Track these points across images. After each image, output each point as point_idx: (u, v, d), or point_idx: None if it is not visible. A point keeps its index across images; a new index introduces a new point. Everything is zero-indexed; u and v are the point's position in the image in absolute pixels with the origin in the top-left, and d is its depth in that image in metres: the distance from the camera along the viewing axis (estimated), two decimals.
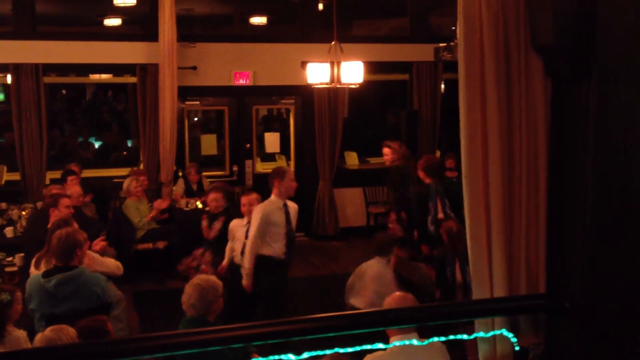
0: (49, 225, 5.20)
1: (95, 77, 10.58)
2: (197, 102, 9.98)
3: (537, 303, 2.82)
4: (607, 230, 2.65)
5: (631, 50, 2.57)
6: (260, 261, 5.53)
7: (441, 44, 8.53)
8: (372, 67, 8.98)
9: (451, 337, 2.76)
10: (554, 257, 2.83)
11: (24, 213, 7.41)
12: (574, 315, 2.72)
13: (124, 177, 8.34)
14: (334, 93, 9.33)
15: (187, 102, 9.68)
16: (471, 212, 2.87)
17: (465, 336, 2.78)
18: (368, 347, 2.71)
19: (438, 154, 10.38)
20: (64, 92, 12.80)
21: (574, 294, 2.72)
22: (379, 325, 2.81)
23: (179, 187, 8.87)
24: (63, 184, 7.33)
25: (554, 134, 2.78)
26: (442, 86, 10.29)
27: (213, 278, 4.13)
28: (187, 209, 8.36)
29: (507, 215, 2.80)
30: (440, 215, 6.34)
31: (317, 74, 6.63)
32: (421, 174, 6.51)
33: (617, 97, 2.58)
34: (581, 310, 2.69)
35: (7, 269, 5.54)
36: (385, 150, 7.63)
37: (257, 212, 5.53)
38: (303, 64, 8.26)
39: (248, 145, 9.90)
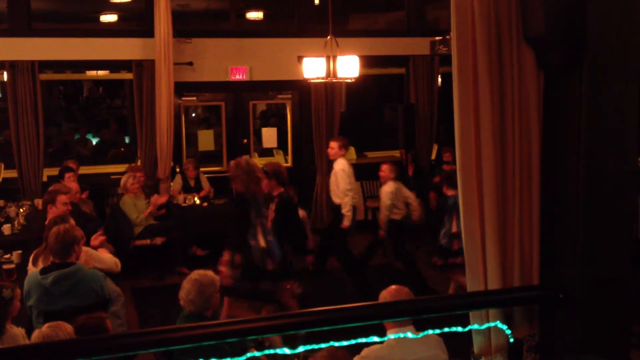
0: (47, 222, 5.21)
1: (92, 73, 10.55)
2: (194, 98, 9.97)
3: (531, 295, 2.83)
4: (599, 222, 2.67)
5: (622, 41, 2.58)
6: None
7: (437, 37, 8.52)
8: (369, 61, 8.97)
9: (446, 329, 2.77)
10: (548, 249, 2.85)
11: (21, 210, 7.42)
12: (568, 307, 2.73)
13: (122, 173, 8.34)
14: (330, 87, 9.33)
15: (183, 98, 9.67)
16: (465, 205, 2.88)
17: (459, 328, 2.79)
18: (364, 340, 2.72)
19: (435, 147, 10.39)
20: (60, 88, 12.77)
21: (568, 285, 2.73)
22: (374, 318, 2.83)
23: (177, 183, 8.88)
24: (60, 180, 7.32)
25: (547, 126, 2.79)
26: (439, 80, 10.29)
27: (210, 273, 4.13)
28: (185, 204, 8.38)
29: (500, 208, 2.81)
30: (454, 229, 6.26)
31: (313, 68, 6.64)
32: (444, 188, 6.54)
33: (609, 88, 2.59)
34: (575, 301, 2.71)
35: (5, 266, 5.54)
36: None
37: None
38: (299, 59, 8.24)
39: (245, 140, 9.90)
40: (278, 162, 6.00)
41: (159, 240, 7.76)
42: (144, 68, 8.81)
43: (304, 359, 3.80)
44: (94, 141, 11.65)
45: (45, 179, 8.43)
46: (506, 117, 2.79)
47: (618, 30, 2.58)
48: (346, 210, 6.91)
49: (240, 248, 5.50)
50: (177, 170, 9.12)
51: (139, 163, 9.13)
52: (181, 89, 9.20)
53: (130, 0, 9.44)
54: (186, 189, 8.78)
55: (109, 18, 9.83)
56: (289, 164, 10.02)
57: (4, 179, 8.89)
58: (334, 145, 7.25)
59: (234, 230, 5.81)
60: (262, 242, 5.43)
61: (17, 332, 3.86)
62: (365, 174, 10.00)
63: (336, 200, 7.07)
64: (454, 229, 6.18)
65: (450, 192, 6.35)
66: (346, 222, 6.92)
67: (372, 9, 10.94)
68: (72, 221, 5.09)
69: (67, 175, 7.51)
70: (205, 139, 9.99)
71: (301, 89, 9.49)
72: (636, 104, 2.67)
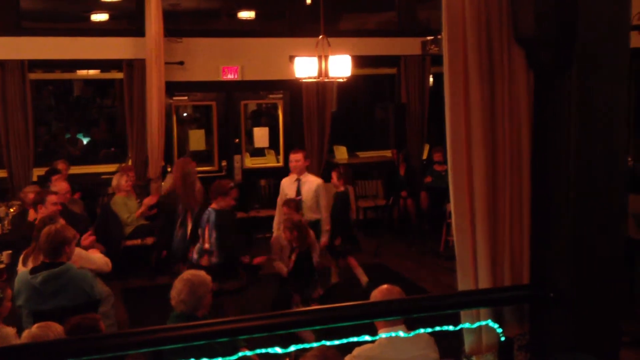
0: (37, 222, 5.17)
1: (82, 73, 10.50)
2: (185, 98, 9.94)
3: (521, 294, 2.84)
4: (589, 221, 2.68)
5: (611, 41, 2.59)
6: None
7: (428, 38, 8.54)
8: (361, 61, 8.97)
9: (437, 328, 2.78)
10: (538, 248, 2.86)
11: (11, 210, 7.37)
12: (558, 306, 2.75)
13: (112, 173, 8.30)
14: (322, 87, 9.33)
15: (174, 98, 9.64)
16: (456, 205, 2.89)
17: (451, 327, 2.80)
18: (355, 339, 2.73)
19: (427, 147, 10.41)
20: (50, 88, 12.69)
21: (558, 284, 2.75)
22: (365, 317, 2.83)
23: (168, 183, 8.84)
24: (48, 183, 7.26)
25: (537, 125, 2.81)
26: (431, 79, 10.31)
27: (202, 273, 4.12)
28: None
29: (491, 207, 2.82)
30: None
31: (304, 68, 6.64)
32: (340, 182, 7.07)
33: (598, 87, 2.61)
34: (565, 300, 2.72)
35: None
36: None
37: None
38: (291, 58, 8.24)
39: (237, 140, 9.88)
40: (219, 181, 6.10)
41: (149, 240, 7.73)
42: (134, 67, 8.78)
43: (295, 358, 3.80)
44: (85, 141, 11.59)
45: (35, 178, 8.37)
46: (497, 117, 2.80)
47: (608, 31, 2.60)
48: (329, 227, 6.67)
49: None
50: (168, 170, 9.08)
51: (129, 163, 9.09)
52: (172, 88, 9.17)
53: None
54: None
55: (99, 17, 9.77)
56: (281, 164, 10.01)
57: None
58: (299, 157, 6.73)
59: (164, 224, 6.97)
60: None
61: (9, 332, 3.84)
62: (356, 174, 10.00)
63: (312, 216, 6.61)
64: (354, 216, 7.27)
65: (342, 188, 7.10)
66: (326, 239, 6.66)
67: (364, 9, 10.95)
68: (62, 221, 5.06)
69: (53, 178, 7.44)
70: (197, 139, 9.96)
71: (293, 88, 9.48)
72: (625, 103, 2.69)
